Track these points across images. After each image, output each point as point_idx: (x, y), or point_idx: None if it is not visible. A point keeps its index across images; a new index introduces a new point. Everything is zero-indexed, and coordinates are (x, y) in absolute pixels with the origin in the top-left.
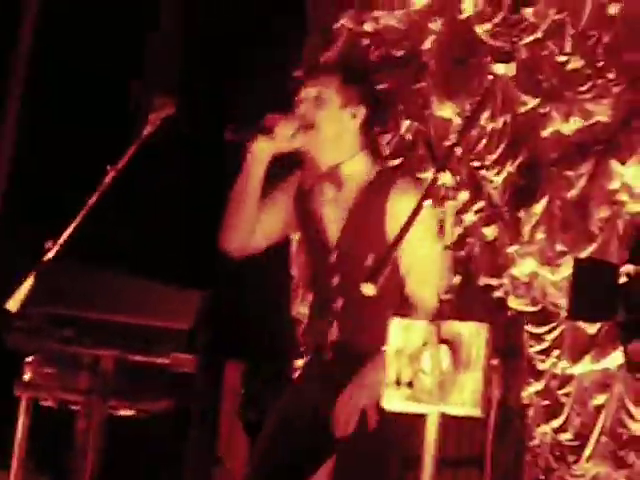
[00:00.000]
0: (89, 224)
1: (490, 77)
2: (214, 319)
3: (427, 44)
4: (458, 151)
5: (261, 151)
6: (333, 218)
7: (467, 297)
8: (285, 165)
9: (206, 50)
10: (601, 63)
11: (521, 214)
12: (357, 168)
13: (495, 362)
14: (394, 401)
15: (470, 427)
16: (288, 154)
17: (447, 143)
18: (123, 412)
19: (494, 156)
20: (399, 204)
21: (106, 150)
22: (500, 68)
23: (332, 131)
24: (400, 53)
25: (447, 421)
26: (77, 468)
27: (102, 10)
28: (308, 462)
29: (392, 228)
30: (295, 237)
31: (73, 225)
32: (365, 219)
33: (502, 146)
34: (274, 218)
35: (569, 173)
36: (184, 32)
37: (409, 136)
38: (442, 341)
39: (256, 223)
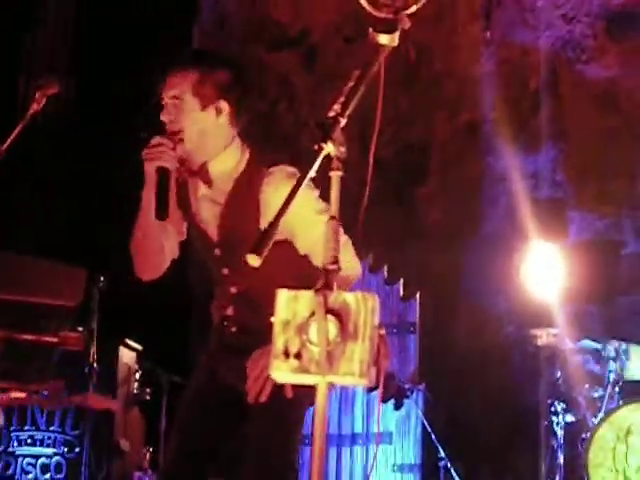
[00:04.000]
0: None
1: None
2: (106, 300)
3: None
4: (342, 121)
5: (149, 175)
6: (208, 215)
7: None
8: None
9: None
10: None
11: None
12: (225, 164)
13: (382, 332)
14: (283, 372)
15: None
16: None
17: (331, 114)
18: (14, 394)
19: None
20: (273, 198)
21: None
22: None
23: (196, 133)
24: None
25: None
26: None
27: None
28: (222, 436)
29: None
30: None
31: None
32: (239, 215)
33: None
34: (173, 227)
35: None
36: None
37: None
38: (329, 311)
39: (163, 242)
